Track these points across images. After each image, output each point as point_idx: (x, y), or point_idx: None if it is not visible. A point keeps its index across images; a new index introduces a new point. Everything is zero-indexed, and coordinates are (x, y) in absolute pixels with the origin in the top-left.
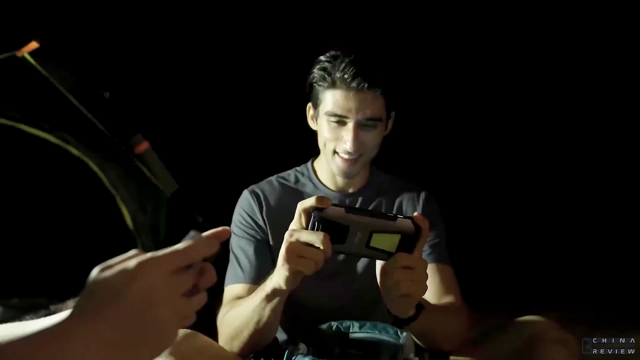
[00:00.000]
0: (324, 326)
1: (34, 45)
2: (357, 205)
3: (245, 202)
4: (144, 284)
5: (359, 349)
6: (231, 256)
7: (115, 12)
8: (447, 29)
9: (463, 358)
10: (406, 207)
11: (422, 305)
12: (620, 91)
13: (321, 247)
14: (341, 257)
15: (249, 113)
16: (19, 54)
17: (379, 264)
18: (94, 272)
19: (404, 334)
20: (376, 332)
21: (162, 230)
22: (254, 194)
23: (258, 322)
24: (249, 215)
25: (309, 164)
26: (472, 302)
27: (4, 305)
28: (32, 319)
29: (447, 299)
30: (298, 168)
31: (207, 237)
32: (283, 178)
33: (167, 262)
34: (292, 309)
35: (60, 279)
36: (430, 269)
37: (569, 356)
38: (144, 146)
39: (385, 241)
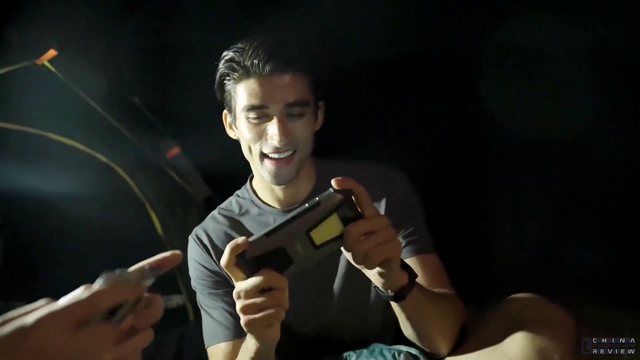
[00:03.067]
0: None
1: (52, 53)
2: None
3: (193, 252)
4: (38, 342)
5: None
6: (202, 314)
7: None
8: None
9: (457, 357)
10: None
11: (414, 275)
12: None
13: (271, 287)
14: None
15: None
16: (38, 62)
17: (344, 252)
18: None
19: (401, 355)
20: (372, 358)
21: None
22: (199, 240)
23: None
24: (201, 265)
25: (247, 184)
26: (469, 295)
27: None
28: None
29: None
30: (239, 192)
31: (142, 267)
32: (226, 209)
33: (66, 315)
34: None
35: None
36: (411, 263)
37: (553, 339)
38: (174, 151)
39: (327, 230)
